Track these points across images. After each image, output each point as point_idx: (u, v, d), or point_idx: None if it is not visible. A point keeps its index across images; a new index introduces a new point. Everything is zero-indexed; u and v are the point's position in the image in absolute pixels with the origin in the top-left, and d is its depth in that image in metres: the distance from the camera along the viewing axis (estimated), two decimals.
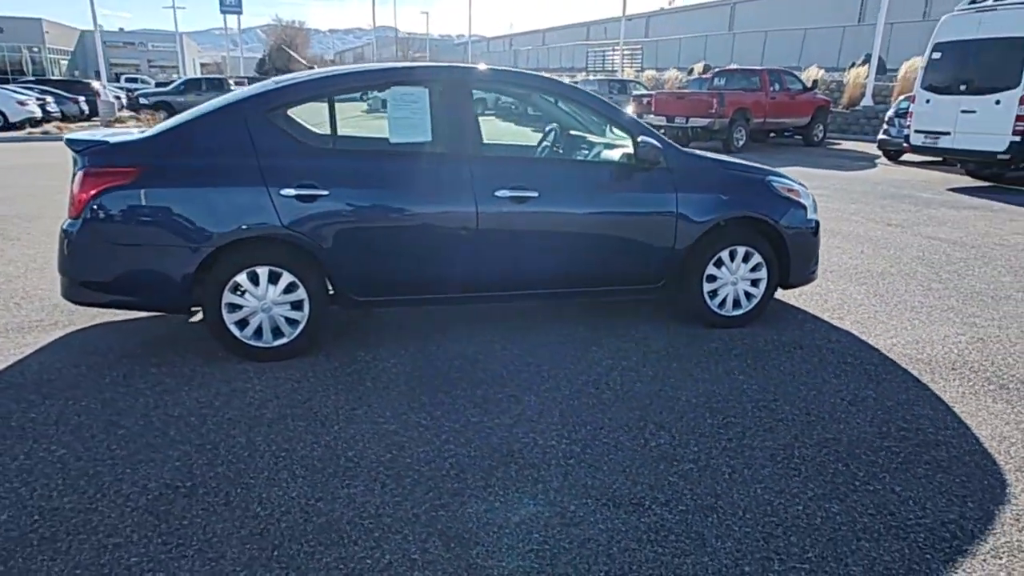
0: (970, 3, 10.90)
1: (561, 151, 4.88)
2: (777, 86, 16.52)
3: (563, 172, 4.14)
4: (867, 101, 20.38)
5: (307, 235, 3.57)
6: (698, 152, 4.40)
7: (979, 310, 4.76)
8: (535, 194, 3.81)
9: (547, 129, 5.18)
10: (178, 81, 27.38)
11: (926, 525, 2.39)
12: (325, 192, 3.56)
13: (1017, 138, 10.00)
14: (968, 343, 4.13)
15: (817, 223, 4.40)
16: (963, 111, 10.68)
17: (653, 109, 16.66)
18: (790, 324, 4.41)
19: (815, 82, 18.31)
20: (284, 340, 3.70)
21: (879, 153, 15.15)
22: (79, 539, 2.25)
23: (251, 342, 3.66)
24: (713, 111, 15.09)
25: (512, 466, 2.73)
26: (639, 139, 3.89)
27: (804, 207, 4.32)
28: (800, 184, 4.44)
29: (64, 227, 3.55)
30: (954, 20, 10.98)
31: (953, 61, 10.86)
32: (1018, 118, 9.97)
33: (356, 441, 2.90)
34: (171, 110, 24.67)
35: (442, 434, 2.97)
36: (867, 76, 20.58)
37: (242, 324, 3.64)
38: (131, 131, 4.07)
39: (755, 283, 4.29)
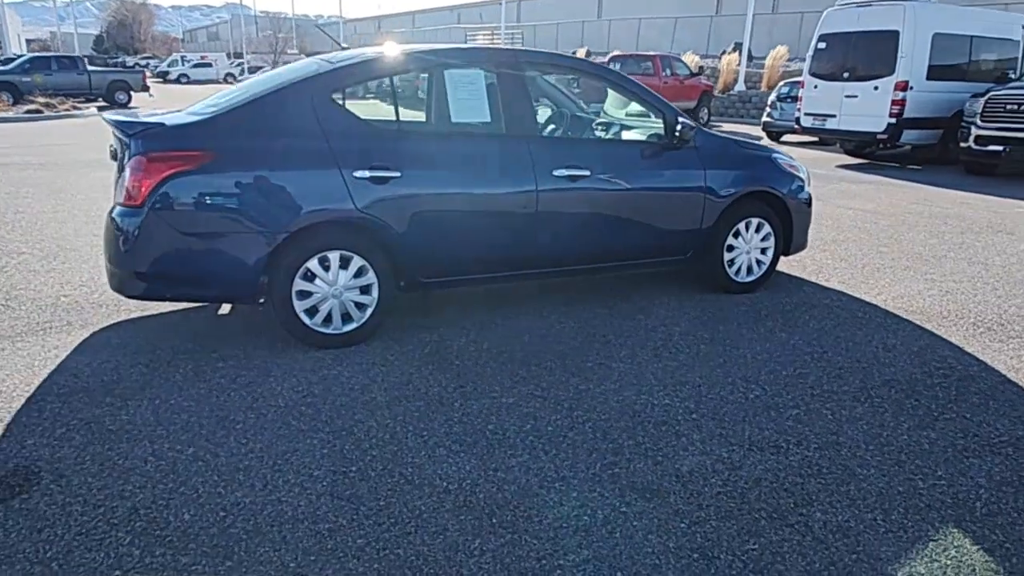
0: None
1: (570, 132, 5.06)
2: (668, 71, 17.54)
3: (609, 151, 4.35)
4: (740, 87, 22.04)
5: (379, 217, 3.53)
6: (715, 132, 4.74)
7: (930, 268, 5.50)
8: (587, 172, 3.99)
9: (548, 115, 5.34)
10: (21, 59, 24.29)
11: (1008, 440, 2.86)
12: (398, 174, 3.53)
13: (893, 120, 11.33)
14: (940, 296, 4.80)
15: (811, 195, 4.90)
16: (847, 96, 11.93)
17: None
18: (790, 287, 4.90)
19: (700, 68, 19.58)
20: (354, 325, 3.65)
21: (762, 135, 16.48)
22: (292, 527, 2.21)
23: (321, 329, 3.58)
24: None
25: (647, 424, 2.93)
26: (679, 120, 4.16)
27: (803, 180, 4.80)
28: (795, 160, 4.92)
29: (116, 215, 3.29)
30: (836, 14, 12.20)
31: (837, 50, 12.09)
32: (893, 102, 11.29)
33: (488, 415, 2.98)
34: (16, 92, 22.01)
35: (562, 403, 3.11)
36: (739, 64, 22.26)
37: (311, 312, 3.55)
38: (165, 111, 3.78)
39: (764, 251, 4.72)
